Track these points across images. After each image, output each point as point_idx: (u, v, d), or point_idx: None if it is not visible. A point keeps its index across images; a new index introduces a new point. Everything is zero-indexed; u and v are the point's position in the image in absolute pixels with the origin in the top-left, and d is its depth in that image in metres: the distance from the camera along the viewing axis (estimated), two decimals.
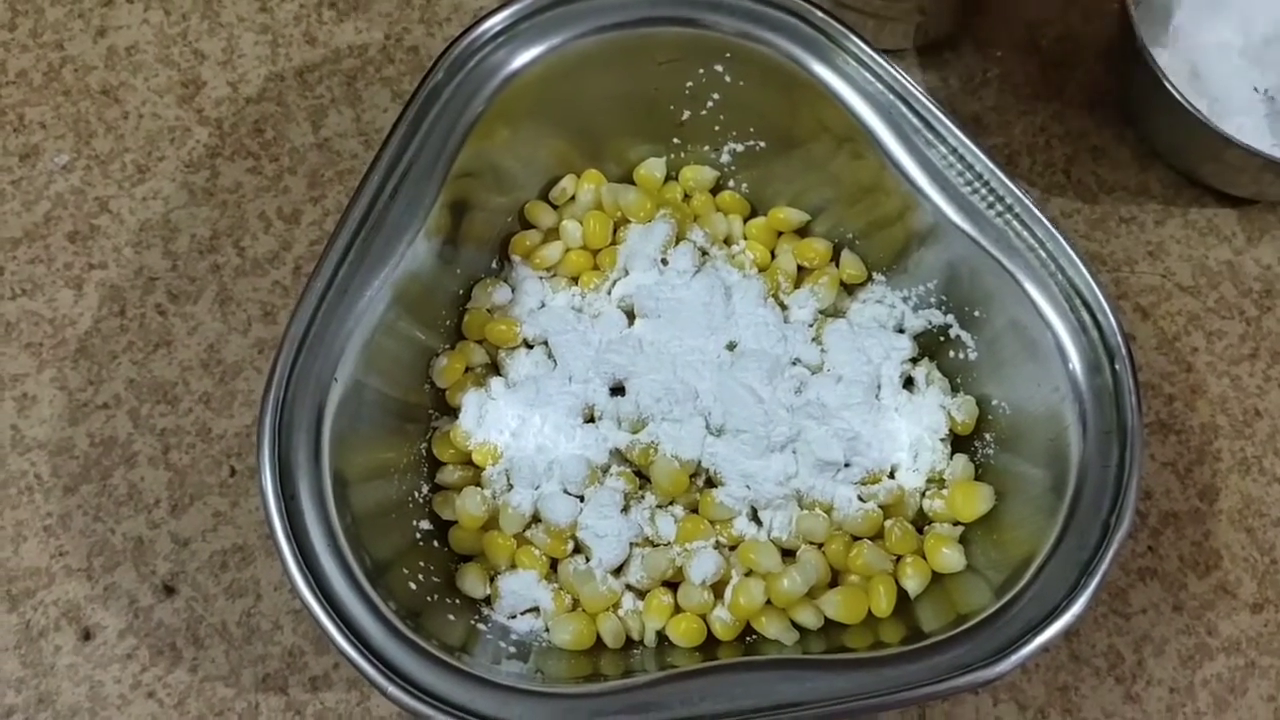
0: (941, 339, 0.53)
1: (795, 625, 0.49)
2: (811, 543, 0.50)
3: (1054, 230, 0.47)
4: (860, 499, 0.50)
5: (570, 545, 0.50)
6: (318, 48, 0.63)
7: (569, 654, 0.48)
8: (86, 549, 0.53)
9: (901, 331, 0.54)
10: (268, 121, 0.61)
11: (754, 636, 0.49)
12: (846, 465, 0.51)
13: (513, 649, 0.48)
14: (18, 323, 0.57)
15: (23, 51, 0.62)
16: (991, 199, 0.48)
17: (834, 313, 0.55)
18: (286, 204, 0.59)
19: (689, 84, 0.53)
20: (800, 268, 0.55)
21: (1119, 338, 0.46)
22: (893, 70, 0.49)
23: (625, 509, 0.50)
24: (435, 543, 0.50)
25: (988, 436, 0.51)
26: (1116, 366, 0.46)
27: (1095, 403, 0.46)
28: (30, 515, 0.54)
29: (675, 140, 0.56)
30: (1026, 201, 0.48)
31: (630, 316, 0.53)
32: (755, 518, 0.51)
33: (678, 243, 0.55)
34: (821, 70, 0.50)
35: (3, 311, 0.57)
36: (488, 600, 0.50)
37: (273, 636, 0.52)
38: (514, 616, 0.49)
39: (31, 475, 0.55)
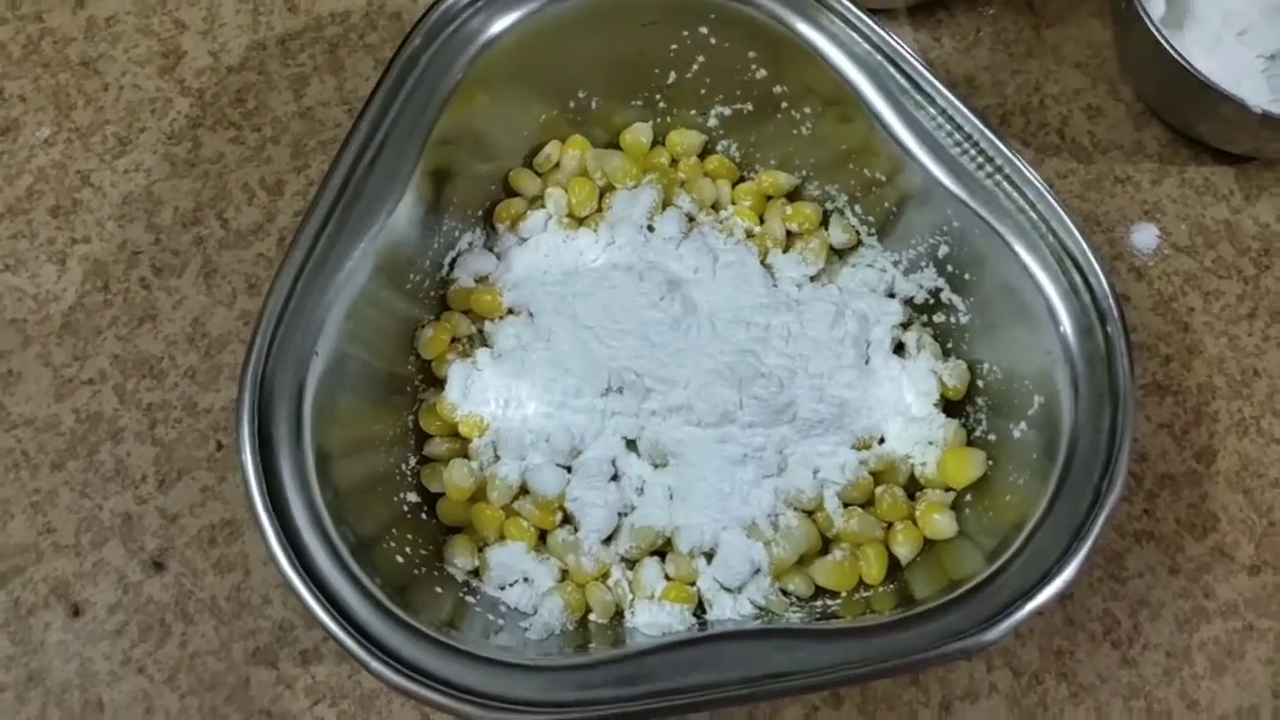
0: (932, 303, 0.52)
1: (785, 593, 0.49)
2: (800, 510, 0.50)
3: (1045, 191, 0.47)
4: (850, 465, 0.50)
5: (559, 516, 0.50)
6: (299, 15, 0.62)
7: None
8: (74, 525, 0.53)
9: (892, 296, 0.53)
10: (250, 91, 0.60)
11: None
12: (836, 431, 0.50)
13: (502, 621, 0.47)
14: (1, 298, 0.57)
15: (1, 24, 0.61)
16: (981, 160, 0.48)
17: (824, 278, 0.54)
18: (269, 174, 0.59)
19: (674, 46, 0.52)
20: (789, 232, 0.54)
21: (1111, 300, 0.45)
22: (880, 30, 0.48)
23: (614, 478, 0.50)
24: (423, 515, 0.50)
25: (979, 401, 0.51)
26: (1108, 329, 0.45)
27: (1087, 366, 0.45)
28: (17, 492, 0.54)
29: (661, 104, 0.55)
30: (1017, 162, 0.47)
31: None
32: None
33: (664, 209, 0.54)
34: (807, 30, 0.49)
35: None
36: (476, 572, 0.49)
37: (262, 610, 0.52)
38: (503, 588, 0.49)
39: (18, 452, 0.54)
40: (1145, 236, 0.59)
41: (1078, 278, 0.46)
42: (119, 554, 0.53)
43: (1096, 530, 0.43)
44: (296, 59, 0.61)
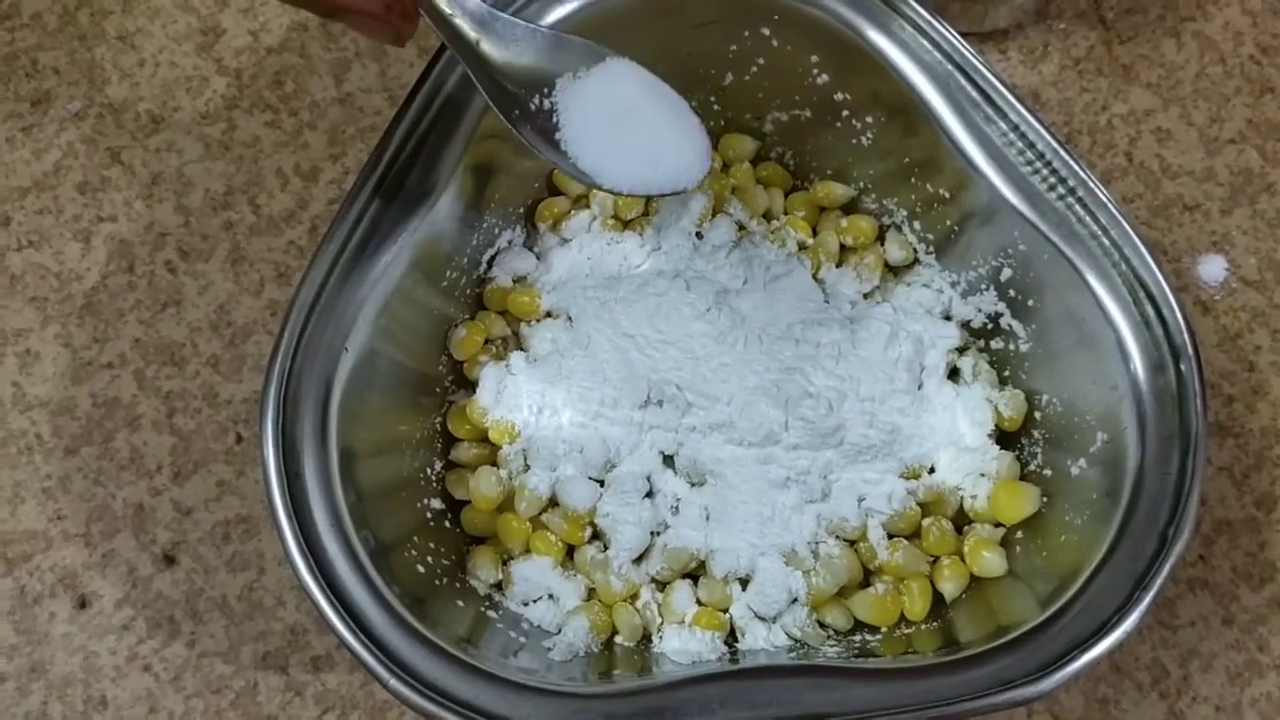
0: (990, 328, 0.50)
1: (822, 625, 0.46)
2: (843, 539, 0.47)
3: (1120, 216, 0.44)
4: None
5: (588, 532, 0.48)
6: None
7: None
8: (85, 514, 0.51)
9: (948, 319, 0.51)
10: (289, 73, 0.58)
11: None
12: (885, 458, 0.48)
13: (524, 639, 0.45)
14: (23, 275, 0.55)
15: None
16: (1053, 180, 0.45)
17: (878, 296, 0.52)
18: (305, 160, 0.57)
19: (732, 46, 0.50)
20: (844, 246, 0.52)
21: (1185, 335, 0.43)
22: (952, 39, 0.46)
23: (648, 495, 0.48)
24: (446, 523, 0.48)
25: (1036, 434, 0.48)
26: (1181, 367, 0.43)
27: (1156, 404, 0.43)
28: (29, 476, 0.52)
29: (715, 106, 0.53)
30: (1091, 184, 0.45)
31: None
32: None
33: (714, 216, 0.52)
34: (876, 36, 0.47)
35: (8, 263, 0.55)
36: (499, 586, 0.47)
37: (275, 613, 0.50)
38: (526, 604, 0.47)
39: (32, 435, 0.52)
40: (1213, 268, 0.56)
41: (1150, 310, 0.44)
42: (130, 546, 0.51)
43: (1160, 580, 0.41)
44: (339, 42, 0.59)
